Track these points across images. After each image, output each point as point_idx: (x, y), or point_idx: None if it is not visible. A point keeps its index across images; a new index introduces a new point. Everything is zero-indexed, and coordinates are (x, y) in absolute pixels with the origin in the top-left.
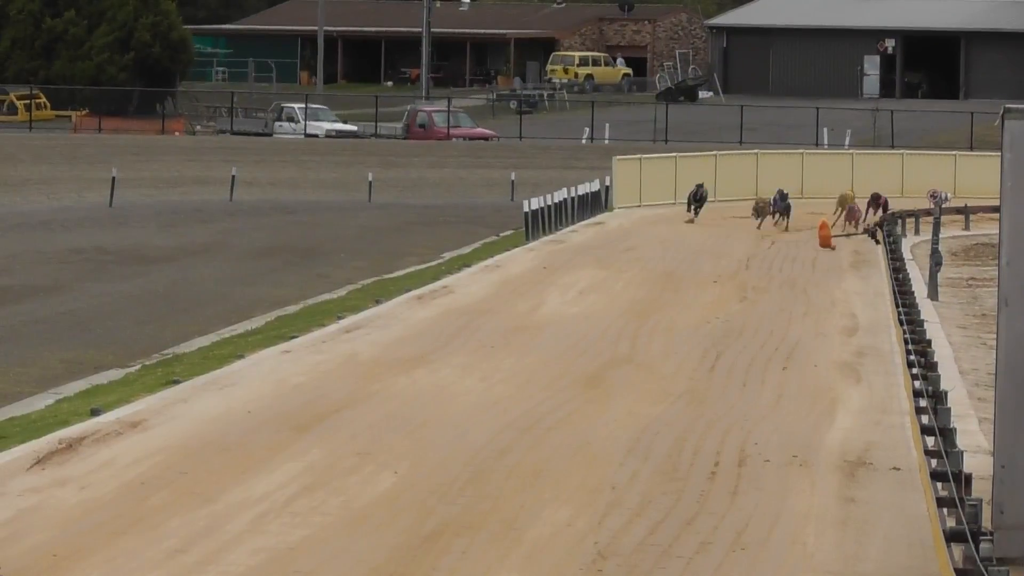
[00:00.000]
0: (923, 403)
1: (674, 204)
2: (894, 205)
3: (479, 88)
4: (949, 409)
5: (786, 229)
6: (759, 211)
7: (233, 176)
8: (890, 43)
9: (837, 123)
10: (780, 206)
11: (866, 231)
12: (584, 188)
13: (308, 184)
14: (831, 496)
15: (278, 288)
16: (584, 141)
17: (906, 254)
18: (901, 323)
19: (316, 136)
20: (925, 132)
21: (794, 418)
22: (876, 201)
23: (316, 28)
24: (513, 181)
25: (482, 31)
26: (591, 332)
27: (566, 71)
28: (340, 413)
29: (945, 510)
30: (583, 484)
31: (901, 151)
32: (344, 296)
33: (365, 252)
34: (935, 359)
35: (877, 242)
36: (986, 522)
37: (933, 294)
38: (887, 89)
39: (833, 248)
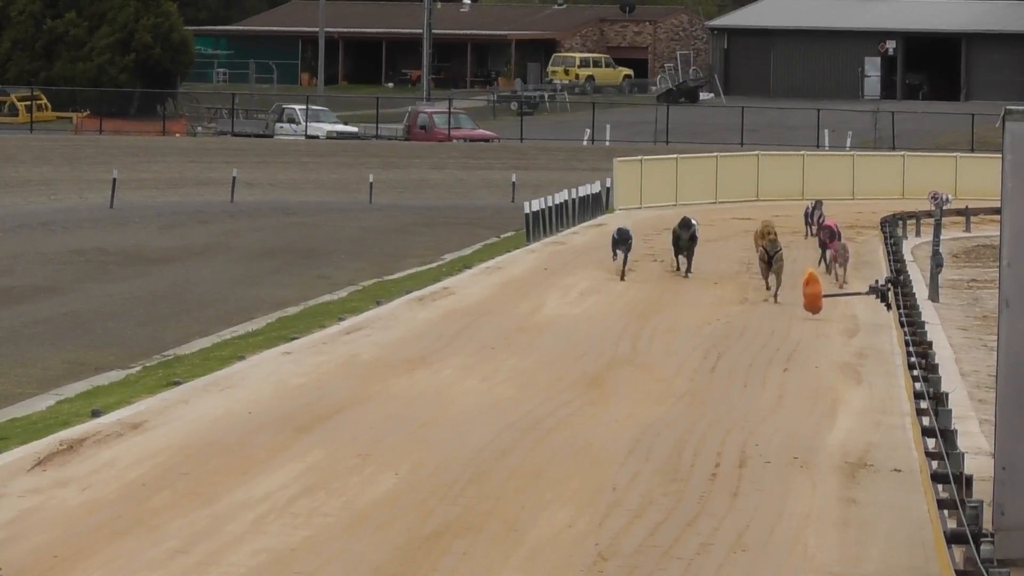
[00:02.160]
0: (924, 405)
1: (675, 206)
2: (895, 206)
3: (480, 89)
4: (950, 411)
5: (685, 273)
6: (769, 247)
7: (234, 177)
8: (891, 44)
9: (838, 124)
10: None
11: (872, 289)
12: (585, 189)
13: (309, 185)
14: (832, 497)
15: (279, 289)
16: (585, 142)
17: (907, 256)
18: (902, 324)
19: (317, 137)
20: (926, 133)
21: (795, 419)
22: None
23: (317, 29)
24: (514, 182)
25: (483, 32)
26: (592, 333)
27: (567, 72)
28: (341, 414)
29: (946, 511)
30: (584, 485)
31: (902, 152)
32: (345, 297)
33: (366, 253)
34: (936, 361)
35: (888, 306)
36: (987, 524)
37: (934, 296)
38: (888, 90)
39: (819, 309)
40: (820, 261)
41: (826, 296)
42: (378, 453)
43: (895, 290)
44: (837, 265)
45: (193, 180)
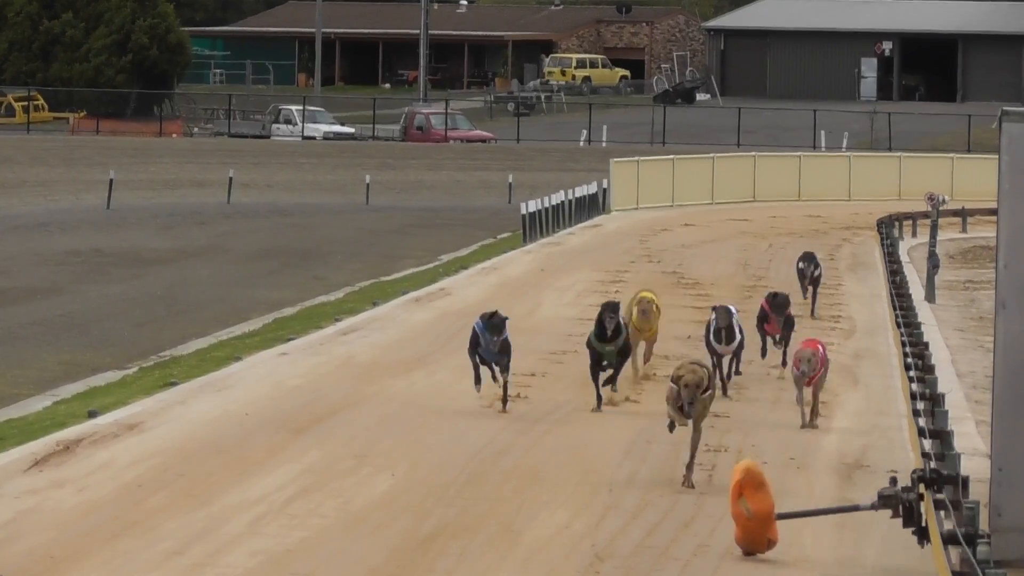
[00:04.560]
0: (920, 406)
1: (671, 207)
2: (891, 208)
3: (477, 90)
4: (946, 412)
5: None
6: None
7: (230, 178)
8: (887, 45)
9: (834, 125)
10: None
11: (885, 500)
12: (581, 190)
13: (305, 186)
14: (828, 499)
15: (275, 290)
16: (582, 143)
17: (903, 257)
18: (898, 325)
19: (313, 138)
20: (922, 134)
21: (792, 420)
22: (781, 307)
23: (314, 30)
24: (510, 183)
25: (480, 33)
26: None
27: (563, 73)
28: (337, 415)
29: (942, 512)
30: (580, 486)
31: (898, 153)
32: (341, 298)
33: (362, 254)
34: (932, 362)
35: (922, 536)
36: (983, 525)
37: (930, 297)
38: (884, 91)
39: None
40: (762, 348)
41: (781, 517)
42: (374, 454)
43: (931, 496)
44: (803, 385)
45: (190, 181)
